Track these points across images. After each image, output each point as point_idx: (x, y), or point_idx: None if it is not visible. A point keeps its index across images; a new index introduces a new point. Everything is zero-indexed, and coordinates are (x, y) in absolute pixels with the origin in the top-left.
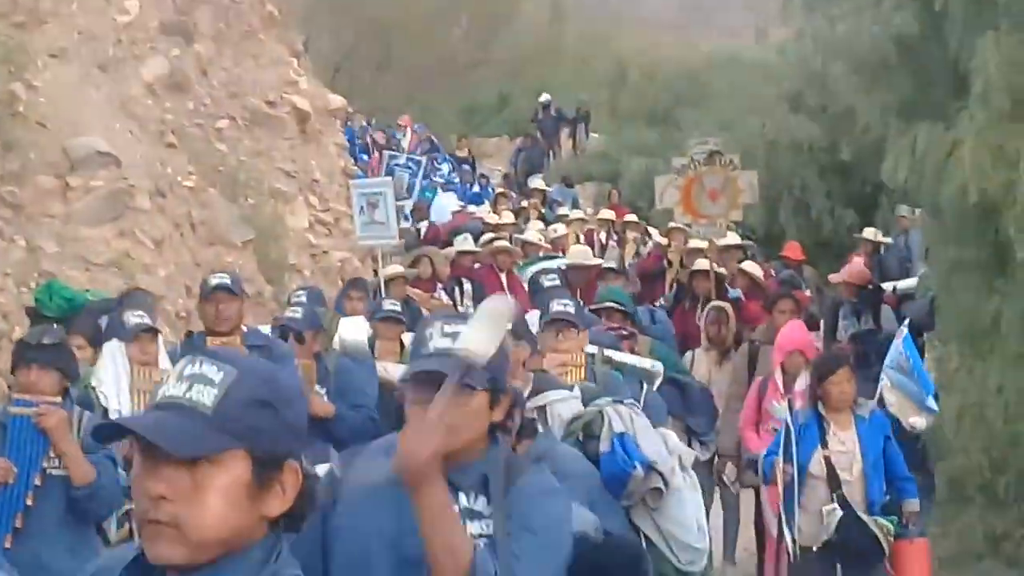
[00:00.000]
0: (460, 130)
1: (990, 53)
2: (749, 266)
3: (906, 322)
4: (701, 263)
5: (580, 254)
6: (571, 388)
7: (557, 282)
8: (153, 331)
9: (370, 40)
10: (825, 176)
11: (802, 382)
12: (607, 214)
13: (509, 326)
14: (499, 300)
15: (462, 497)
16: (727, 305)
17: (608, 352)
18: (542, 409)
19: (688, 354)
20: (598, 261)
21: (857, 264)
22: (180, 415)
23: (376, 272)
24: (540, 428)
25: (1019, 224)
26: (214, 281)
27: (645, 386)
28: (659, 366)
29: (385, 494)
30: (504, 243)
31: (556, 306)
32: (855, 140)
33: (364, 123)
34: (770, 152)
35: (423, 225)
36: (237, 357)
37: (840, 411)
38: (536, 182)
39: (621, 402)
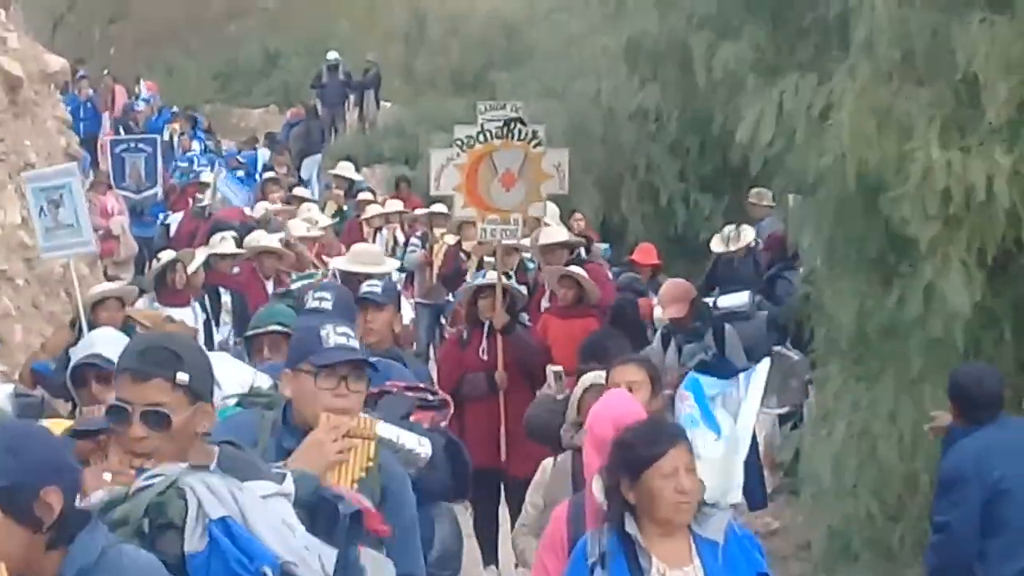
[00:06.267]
0: (214, 98)
1: None
2: (575, 270)
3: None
4: (493, 273)
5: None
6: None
7: (329, 302)
8: None
9: None
10: (677, 152)
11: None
12: (395, 204)
13: None
14: None
15: None
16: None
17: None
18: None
19: None
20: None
21: (673, 286)
22: None
23: (68, 293)
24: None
25: (916, 207)
26: None
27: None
28: (427, 445)
29: None
30: (270, 242)
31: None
32: (710, 105)
33: (90, 91)
34: (608, 123)
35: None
36: None
37: (669, 530)
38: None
39: (206, 466)
